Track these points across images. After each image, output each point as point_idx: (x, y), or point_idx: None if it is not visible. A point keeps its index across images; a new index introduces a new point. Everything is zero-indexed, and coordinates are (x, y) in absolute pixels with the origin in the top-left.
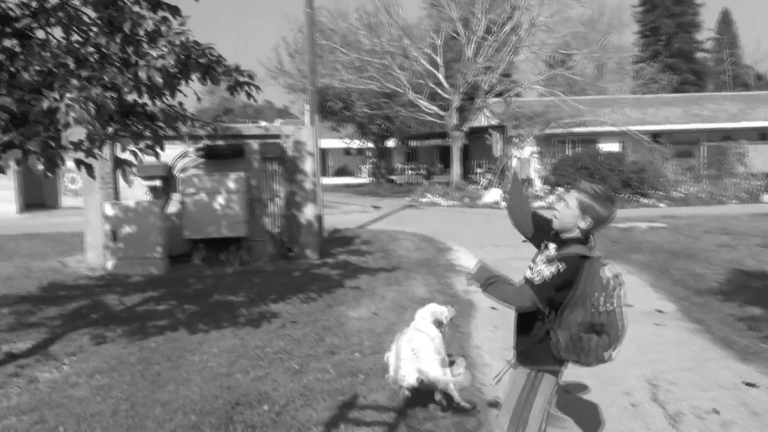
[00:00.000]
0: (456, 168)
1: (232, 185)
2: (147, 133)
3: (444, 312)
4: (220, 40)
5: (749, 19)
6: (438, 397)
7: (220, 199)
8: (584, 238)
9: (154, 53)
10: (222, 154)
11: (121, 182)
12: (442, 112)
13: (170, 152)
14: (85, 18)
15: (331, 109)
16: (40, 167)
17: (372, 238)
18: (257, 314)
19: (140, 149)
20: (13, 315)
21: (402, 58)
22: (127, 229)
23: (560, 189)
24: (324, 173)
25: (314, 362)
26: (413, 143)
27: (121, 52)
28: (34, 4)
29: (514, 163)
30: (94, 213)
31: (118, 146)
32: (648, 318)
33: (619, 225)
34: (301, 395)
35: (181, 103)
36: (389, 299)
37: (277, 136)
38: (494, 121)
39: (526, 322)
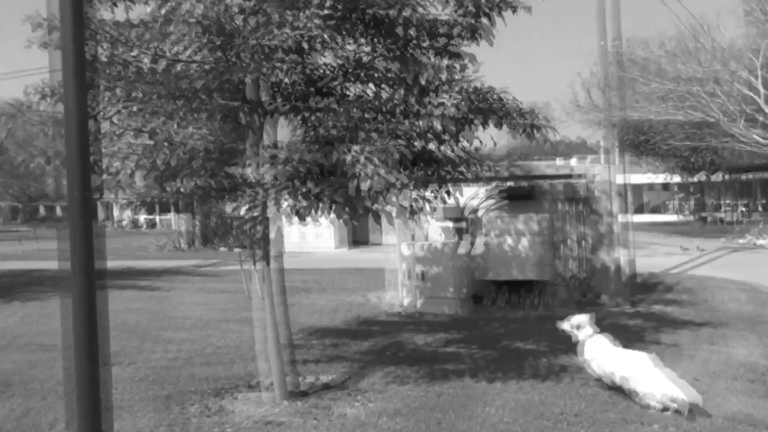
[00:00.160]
0: None
1: (535, 227)
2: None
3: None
4: (511, 78)
5: None
6: None
7: (524, 241)
8: None
9: (448, 102)
10: (520, 196)
11: (433, 224)
12: (763, 140)
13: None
14: (377, 74)
15: (632, 142)
16: (345, 216)
17: (689, 286)
18: (549, 366)
19: (423, 197)
20: (330, 347)
21: (713, 83)
22: (422, 269)
23: None
24: (625, 210)
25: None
26: (728, 176)
27: (416, 102)
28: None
29: None
30: (394, 252)
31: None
32: None
33: None
34: None
35: (477, 148)
36: (714, 362)
37: (576, 175)
38: None
39: None
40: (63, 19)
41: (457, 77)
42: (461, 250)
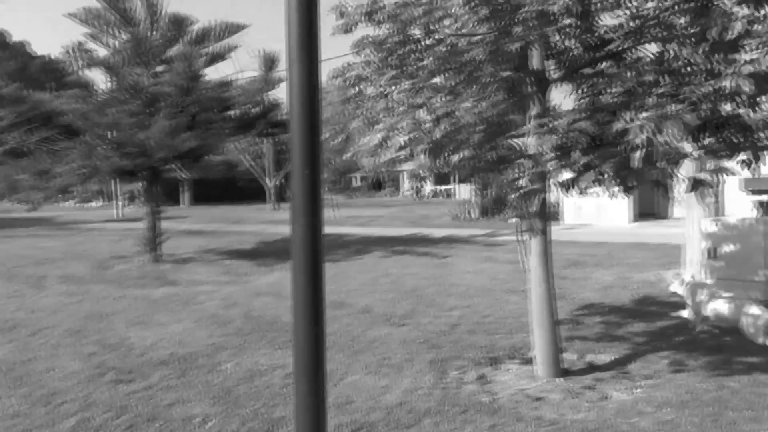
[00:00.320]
0: None
1: None
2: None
3: None
4: None
5: None
6: None
7: None
8: None
9: (745, 57)
10: None
11: (729, 196)
12: None
13: None
14: (676, 30)
15: None
16: (614, 189)
17: None
18: None
19: (722, 169)
20: (603, 325)
21: None
22: (727, 248)
23: None
24: None
25: None
26: None
27: (722, 60)
28: (630, 23)
29: None
30: (692, 228)
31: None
32: None
33: None
34: None
35: None
36: None
37: None
38: None
39: None
40: None
41: (758, 28)
42: None
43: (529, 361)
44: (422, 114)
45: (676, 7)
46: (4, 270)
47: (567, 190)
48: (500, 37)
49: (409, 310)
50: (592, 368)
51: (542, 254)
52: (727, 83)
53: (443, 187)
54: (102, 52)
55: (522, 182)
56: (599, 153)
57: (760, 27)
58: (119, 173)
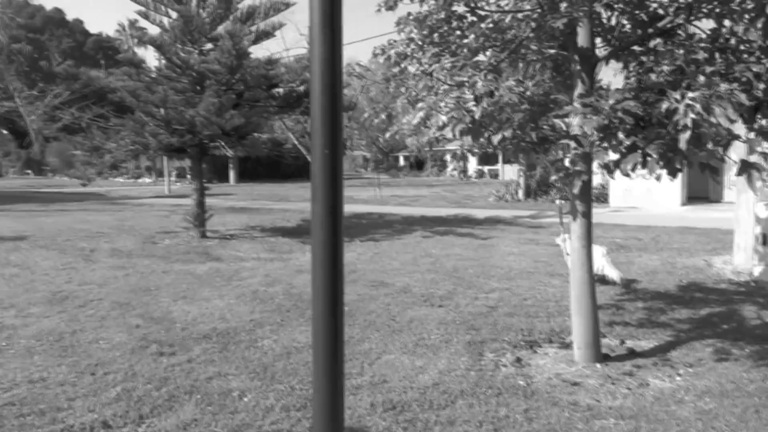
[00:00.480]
0: None
1: None
2: None
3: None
4: None
5: None
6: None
7: None
8: None
9: None
10: None
11: None
12: None
13: None
14: (732, 5)
15: None
16: (659, 171)
17: None
18: None
19: None
20: (645, 311)
21: None
22: None
23: None
24: None
25: None
26: None
27: (762, 39)
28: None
29: None
30: (745, 212)
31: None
32: None
33: None
34: None
35: None
36: None
37: None
38: None
39: None
40: None
41: None
42: None
43: (567, 346)
44: (464, 92)
45: None
46: (58, 243)
47: (610, 172)
48: (545, 14)
49: (449, 291)
50: (632, 354)
51: (584, 237)
52: None
53: (489, 168)
54: (153, 30)
55: (565, 163)
56: (645, 134)
57: None
58: (168, 150)
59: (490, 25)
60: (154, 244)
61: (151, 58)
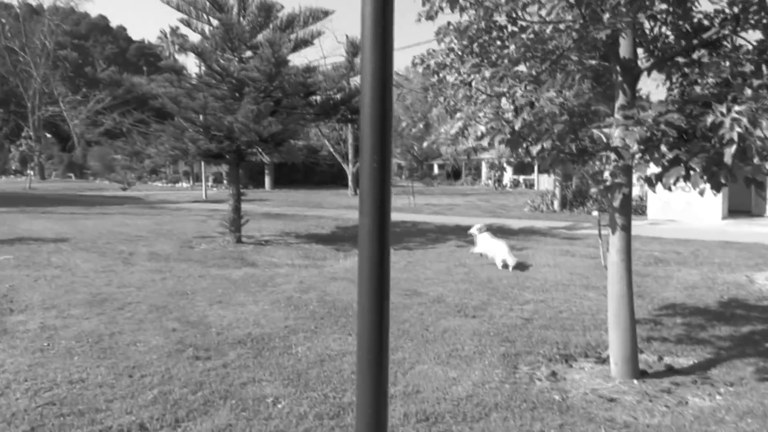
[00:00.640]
0: None
1: None
2: None
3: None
4: None
5: None
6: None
7: None
8: None
9: None
10: None
11: None
12: None
13: None
14: None
15: None
16: (703, 185)
17: None
18: None
19: None
20: (684, 327)
21: None
22: None
23: None
24: None
25: None
26: None
27: None
28: (728, 10)
29: None
30: None
31: None
32: None
33: None
34: None
35: None
36: None
37: None
38: None
39: None
40: None
41: None
42: None
43: (604, 361)
44: (503, 103)
45: None
46: (98, 245)
47: (652, 185)
48: (587, 25)
49: (483, 302)
50: (670, 371)
51: (623, 250)
52: None
53: (524, 177)
54: (193, 38)
55: (605, 175)
56: (688, 147)
57: None
58: (206, 155)
59: (531, 36)
60: (190, 249)
61: (190, 65)
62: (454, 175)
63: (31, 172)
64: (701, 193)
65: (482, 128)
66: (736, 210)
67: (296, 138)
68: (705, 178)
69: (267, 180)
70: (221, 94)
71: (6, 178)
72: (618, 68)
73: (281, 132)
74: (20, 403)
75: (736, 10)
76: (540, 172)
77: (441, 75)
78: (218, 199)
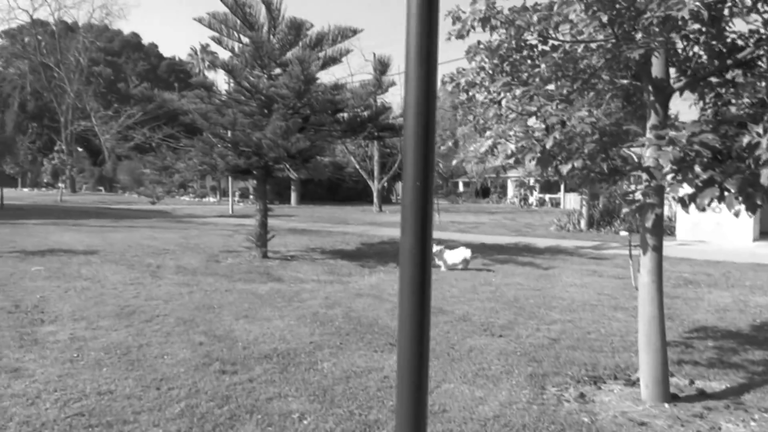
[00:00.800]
0: None
1: None
2: None
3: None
4: None
5: None
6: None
7: None
8: None
9: None
10: None
11: None
12: None
13: None
14: None
15: None
16: (738, 207)
17: None
18: None
19: None
20: (716, 350)
21: None
22: None
23: None
24: None
25: None
26: None
27: None
28: (763, 30)
29: None
30: None
31: None
32: None
33: None
34: None
35: None
36: None
37: None
38: None
39: None
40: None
41: None
42: None
43: (633, 383)
44: (532, 122)
45: None
46: (126, 258)
47: (685, 205)
48: (619, 44)
49: (509, 321)
50: (702, 395)
51: (654, 271)
52: None
53: (550, 196)
54: (222, 55)
55: (636, 195)
56: (723, 168)
57: None
58: (234, 171)
59: (562, 55)
60: (217, 263)
61: (219, 81)
62: (483, 193)
63: (62, 185)
64: (736, 214)
65: (512, 147)
66: (767, 232)
67: (323, 154)
68: (740, 199)
69: (293, 196)
70: (250, 110)
71: (38, 191)
72: (650, 88)
73: (309, 148)
74: (50, 413)
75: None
76: (566, 190)
77: (470, 93)
78: (244, 214)
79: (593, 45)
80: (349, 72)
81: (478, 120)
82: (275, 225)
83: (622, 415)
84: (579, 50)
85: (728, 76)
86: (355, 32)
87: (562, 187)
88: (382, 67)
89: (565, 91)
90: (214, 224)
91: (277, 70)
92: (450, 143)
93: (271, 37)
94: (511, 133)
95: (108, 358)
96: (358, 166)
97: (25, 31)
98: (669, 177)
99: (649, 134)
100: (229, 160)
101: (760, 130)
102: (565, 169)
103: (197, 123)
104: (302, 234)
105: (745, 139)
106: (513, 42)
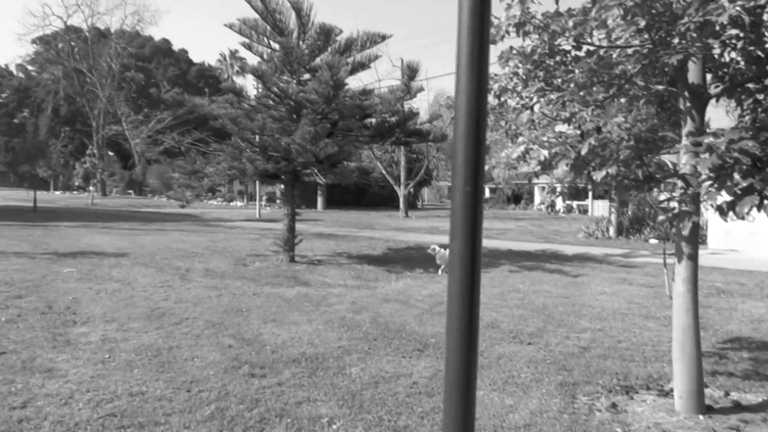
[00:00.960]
0: None
1: None
2: None
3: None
4: None
5: None
6: None
7: None
8: None
9: None
10: None
11: None
12: None
13: None
14: None
15: None
16: None
17: None
18: None
19: None
20: (751, 361)
21: None
22: None
23: None
24: None
25: None
26: None
27: None
28: None
29: None
30: None
31: None
32: None
33: None
34: None
35: None
36: None
37: None
38: None
39: None
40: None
41: None
42: None
43: (666, 394)
44: (565, 127)
45: None
46: (156, 261)
47: (723, 214)
48: (656, 49)
49: (538, 329)
50: (738, 407)
51: (690, 280)
52: None
53: (577, 203)
54: (252, 60)
55: (673, 203)
56: (763, 176)
57: None
58: (263, 175)
59: (597, 60)
60: (245, 266)
61: (248, 86)
62: (516, 200)
63: (93, 189)
64: None
65: (545, 153)
66: None
67: (350, 159)
68: None
69: (319, 200)
70: (279, 115)
71: (70, 194)
72: (686, 94)
73: (336, 153)
74: (83, 414)
75: None
76: (595, 197)
77: (503, 99)
78: (271, 218)
79: (629, 50)
80: (377, 77)
81: (509, 126)
82: (302, 229)
83: (656, 427)
84: (614, 56)
85: (767, 82)
86: (383, 38)
87: (590, 194)
88: (410, 72)
89: (601, 97)
90: (241, 228)
91: (306, 76)
92: None
93: (301, 42)
94: (544, 138)
95: (139, 359)
96: (384, 172)
97: (59, 37)
98: (706, 184)
99: (685, 141)
100: (257, 164)
101: None
102: (599, 175)
103: (227, 128)
104: (329, 238)
105: None
106: (546, 47)
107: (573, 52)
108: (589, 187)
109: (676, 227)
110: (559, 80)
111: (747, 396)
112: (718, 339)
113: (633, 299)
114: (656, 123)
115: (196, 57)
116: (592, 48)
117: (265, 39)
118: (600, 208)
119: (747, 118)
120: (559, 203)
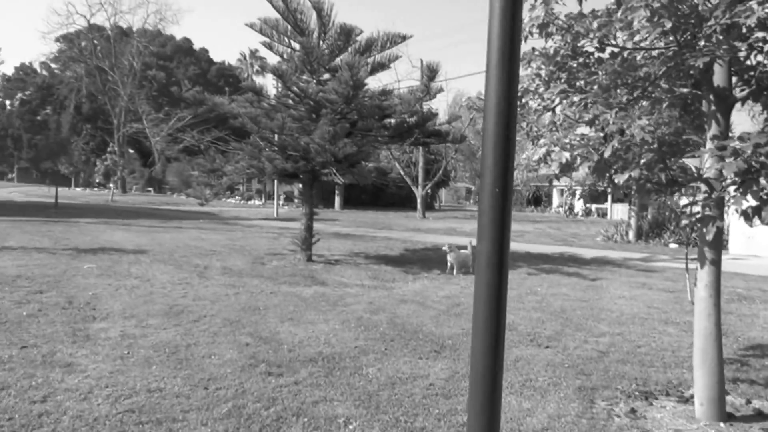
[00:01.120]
0: None
1: None
2: None
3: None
4: None
5: None
6: None
7: None
8: None
9: None
10: None
11: None
12: None
13: None
14: None
15: None
16: None
17: None
18: None
19: None
20: (757, 366)
21: None
22: None
23: None
24: None
25: None
26: None
27: None
28: None
29: None
30: None
31: None
32: None
33: None
34: None
35: None
36: None
37: None
38: None
39: None
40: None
41: None
42: None
43: (686, 400)
44: (587, 130)
45: None
46: (175, 258)
47: (748, 219)
48: (681, 52)
49: (556, 332)
50: (760, 416)
51: (712, 286)
52: None
53: (596, 206)
54: (272, 59)
55: (696, 208)
56: None
57: None
58: (282, 175)
59: (621, 62)
60: (262, 265)
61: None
62: (537, 202)
63: (113, 186)
64: None
65: (567, 155)
66: None
67: (368, 160)
68: None
69: (336, 200)
70: (298, 115)
71: (90, 191)
72: (711, 97)
73: (355, 153)
74: (102, 409)
75: None
76: (614, 201)
77: (524, 100)
78: (289, 217)
79: (654, 52)
80: (396, 78)
81: (531, 127)
82: (319, 229)
83: None
84: (638, 58)
85: None
86: (404, 38)
87: (609, 197)
88: (430, 73)
89: (625, 99)
90: (259, 227)
91: (326, 75)
92: None
93: (321, 42)
94: (566, 141)
95: (157, 356)
96: (402, 172)
97: (82, 35)
98: (731, 189)
99: (709, 144)
100: (276, 163)
101: None
102: (621, 179)
103: (246, 126)
104: (346, 238)
105: None
106: (569, 48)
107: (596, 54)
108: (609, 190)
109: (699, 232)
110: (582, 82)
111: (760, 401)
112: (739, 346)
113: (652, 304)
114: (680, 126)
115: (216, 56)
116: (616, 50)
117: (286, 39)
118: (619, 211)
119: None
120: (578, 206)
